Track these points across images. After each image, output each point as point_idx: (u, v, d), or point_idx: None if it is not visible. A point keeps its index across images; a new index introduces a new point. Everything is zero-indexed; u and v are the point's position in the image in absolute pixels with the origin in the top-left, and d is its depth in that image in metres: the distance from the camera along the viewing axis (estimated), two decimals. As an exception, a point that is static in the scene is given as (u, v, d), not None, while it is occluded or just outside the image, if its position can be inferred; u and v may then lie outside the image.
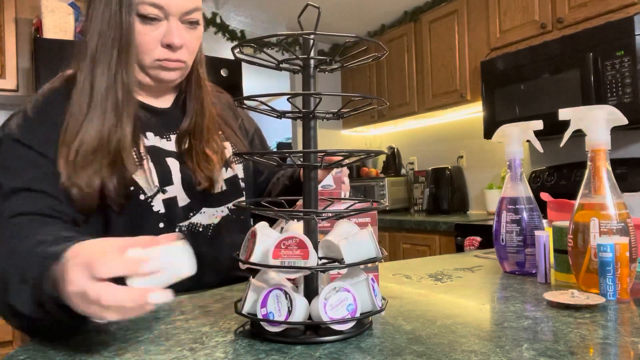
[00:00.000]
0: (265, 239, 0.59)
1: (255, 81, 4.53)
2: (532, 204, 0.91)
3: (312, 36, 0.58)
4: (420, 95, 3.26)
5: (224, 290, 0.85)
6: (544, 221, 0.93)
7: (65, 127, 0.78)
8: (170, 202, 0.86)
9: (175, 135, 0.90)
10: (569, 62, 2.26)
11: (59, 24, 2.31)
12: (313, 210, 0.60)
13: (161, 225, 0.85)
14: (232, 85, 2.55)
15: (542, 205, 0.95)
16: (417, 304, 0.71)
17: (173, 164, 0.88)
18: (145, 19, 0.80)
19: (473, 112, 3.15)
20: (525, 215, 0.90)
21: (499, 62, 2.59)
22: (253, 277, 0.63)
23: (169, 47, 0.82)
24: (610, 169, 0.75)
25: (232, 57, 2.61)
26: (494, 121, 2.61)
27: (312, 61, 0.60)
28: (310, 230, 0.60)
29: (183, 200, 0.88)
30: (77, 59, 0.83)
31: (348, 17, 3.53)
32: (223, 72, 2.56)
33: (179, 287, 0.88)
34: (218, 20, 3.52)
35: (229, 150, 0.97)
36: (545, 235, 0.82)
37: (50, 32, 2.29)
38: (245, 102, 0.64)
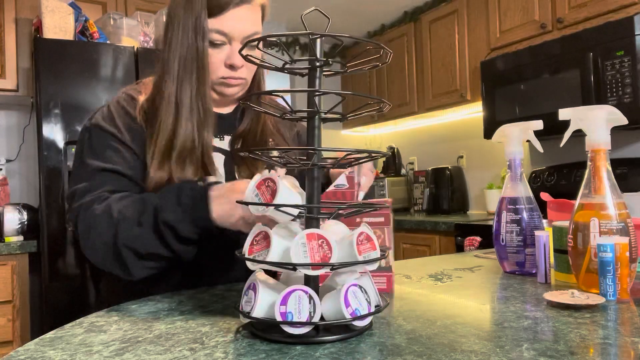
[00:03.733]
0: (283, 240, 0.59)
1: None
2: (532, 204, 0.91)
3: (319, 37, 0.58)
4: (420, 95, 3.26)
5: (224, 290, 0.85)
6: (544, 221, 0.93)
7: (156, 132, 0.90)
8: None
9: (229, 137, 1.01)
10: (569, 62, 2.26)
11: (59, 24, 2.31)
12: (315, 205, 0.59)
13: None
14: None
15: (542, 205, 0.95)
16: (417, 304, 0.71)
17: (218, 158, 0.96)
18: (212, 44, 0.91)
19: (473, 112, 3.15)
20: (525, 215, 0.90)
21: (499, 62, 2.59)
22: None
23: (231, 67, 0.93)
24: (610, 169, 0.75)
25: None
26: (494, 121, 2.61)
27: (319, 62, 0.60)
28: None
29: None
30: (158, 74, 0.95)
31: (348, 17, 3.54)
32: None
33: (208, 281, 0.90)
34: (218, 20, 3.51)
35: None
36: (545, 235, 0.82)
37: (50, 32, 2.29)
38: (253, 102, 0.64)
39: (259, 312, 0.57)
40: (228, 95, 0.98)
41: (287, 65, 0.62)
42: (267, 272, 0.64)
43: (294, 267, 0.55)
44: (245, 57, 0.65)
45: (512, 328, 0.58)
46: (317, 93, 0.59)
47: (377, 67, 0.65)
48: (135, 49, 2.41)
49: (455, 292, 0.80)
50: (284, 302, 0.55)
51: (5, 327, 2.19)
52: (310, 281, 0.59)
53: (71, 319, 0.71)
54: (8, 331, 2.19)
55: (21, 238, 2.33)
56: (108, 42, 2.45)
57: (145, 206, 0.80)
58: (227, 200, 0.76)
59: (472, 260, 1.09)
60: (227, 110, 1.05)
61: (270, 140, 1.05)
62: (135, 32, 2.54)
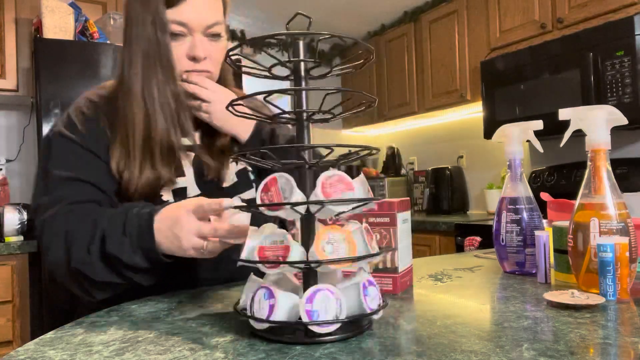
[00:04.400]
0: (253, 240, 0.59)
1: (256, 81, 4.52)
2: (532, 204, 0.91)
3: (302, 37, 0.58)
4: (420, 95, 3.26)
5: (224, 290, 0.85)
6: (544, 221, 0.93)
7: (126, 132, 0.88)
8: (179, 192, 0.91)
9: (197, 134, 0.97)
10: (569, 62, 2.26)
11: (59, 24, 2.31)
12: (296, 202, 0.59)
13: None
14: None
15: (542, 205, 0.95)
16: (417, 304, 0.71)
17: (186, 157, 0.93)
18: (172, 35, 0.89)
19: (473, 112, 3.16)
20: (525, 215, 0.90)
21: (499, 62, 2.59)
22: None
23: (194, 59, 0.91)
24: (610, 169, 0.75)
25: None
26: (494, 121, 2.61)
27: (302, 64, 0.60)
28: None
29: (194, 191, 0.92)
30: (122, 71, 0.91)
31: (348, 17, 3.53)
32: (223, 72, 2.56)
33: (196, 284, 0.89)
34: (218, 20, 3.51)
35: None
36: (545, 235, 0.82)
37: (50, 32, 2.29)
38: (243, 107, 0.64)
39: (280, 315, 0.56)
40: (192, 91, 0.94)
41: (275, 69, 0.62)
42: (256, 273, 0.64)
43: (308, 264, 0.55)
44: (234, 64, 0.65)
45: (512, 328, 0.58)
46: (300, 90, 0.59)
47: (361, 68, 0.65)
48: (135, 49, 2.40)
49: (455, 292, 0.80)
50: (309, 301, 0.55)
51: (5, 327, 2.19)
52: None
53: (71, 319, 0.71)
54: (8, 331, 2.19)
55: (21, 238, 2.33)
56: (108, 42, 2.45)
57: (95, 231, 0.77)
58: (171, 234, 0.72)
59: (472, 260, 1.09)
60: None
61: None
62: (135, 32, 2.54)
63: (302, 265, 0.56)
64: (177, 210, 0.73)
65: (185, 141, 0.94)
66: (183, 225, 0.71)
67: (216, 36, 0.93)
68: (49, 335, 0.63)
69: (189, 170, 0.93)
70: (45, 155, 0.89)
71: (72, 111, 0.92)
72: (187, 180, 0.92)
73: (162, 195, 0.90)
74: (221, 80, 1.00)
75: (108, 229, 0.76)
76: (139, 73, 0.89)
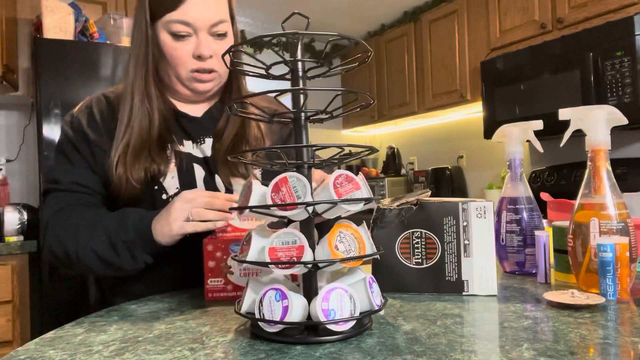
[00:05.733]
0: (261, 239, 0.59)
1: (256, 80, 4.52)
2: (532, 204, 0.91)
3: (300, 37, 0.58)
4: (420, 95, 3.26)
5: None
6: (544, 221, 0.93)
7: (117, 131, 0.92)
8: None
9: (205, 143, 0.99)
10: (569, 62, 2.26)
11: (59, 24, 2.31)
12: (308, 202, 0.59)
13: None
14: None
15: (542, 205, 0.95)
16: (417, 304, 0.71)
17: (199, 170, 0.96)
18: (177, 36, 0.90)
19: (473, 112, 3.16)
20: (525, 215, 0.90)
21: (499, 62, 2.59)
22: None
23: (199, 57, 0.91)
24: (610, 169, 0.75)
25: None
26: (494, 121, 2.61)
27: (300, 64, 0.60)
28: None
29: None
30: (125, 74, 0.96)
31: (348, 17, 3.53)
32: (223, 72, 2.56)
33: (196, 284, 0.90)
34: (218, 20, 3.51)
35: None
36: (545, 235, 0.82)
37: (50, 32, 2.29)
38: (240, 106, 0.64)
39: (295, 316, 0.55)
40: (200, 92, 0.96)
41: (272, 69, 0.62)
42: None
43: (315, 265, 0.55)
44: (231, 63, 0.65)
45: (512, 328, 0.58)
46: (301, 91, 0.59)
47: (358, 67, 0.65)
48: (135, 49, 2.40)
49: (455, 292, 0.80)
50: (325, 299, 0.55)
51: (5, 327, 2.19)
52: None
53: (71, 319, 0.71)
54: (8, 331, 2.19)
55: (21, 238, 2.33)
56: (108, 42, 2.45)
57: (95, 227, 0.83)
58: (165, 216, 0.79)
59: (472, 260, 1.09)
60: (199, 112, 1.01)
61: (255, 144, 1.02)
62: (135, 32, 2.54)
63: (310, 266, 0.56)
64: (179, 199, 0.79)
65: (198, 152, 0.98)
66: (181, 200, 0.78)
67: (222, 35, 0.93)
68: (49, 335, 0.63)
69: (200, 183, 0.96)
70: (58, 147, 0.96)
71: (78, 111, 0.96)
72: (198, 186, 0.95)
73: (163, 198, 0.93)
74: (232, 84, 1.02)
75: (111, 228, 0.83)
76: (130, 77, 0.93)
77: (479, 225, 0.74)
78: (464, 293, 0.75)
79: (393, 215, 0.77)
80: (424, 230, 0.76)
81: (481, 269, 0.74)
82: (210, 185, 0.96)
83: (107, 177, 0.91)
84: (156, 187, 0.92)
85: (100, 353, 0.55)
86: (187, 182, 0.94)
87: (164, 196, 0.92)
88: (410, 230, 0.77)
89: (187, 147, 0.97)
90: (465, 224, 0.75)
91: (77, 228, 0.84)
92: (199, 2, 0.89)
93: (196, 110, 1.01)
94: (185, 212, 0.77)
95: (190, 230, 0.77)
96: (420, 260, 0.77)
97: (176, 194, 0.91)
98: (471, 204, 0.75)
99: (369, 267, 0.83)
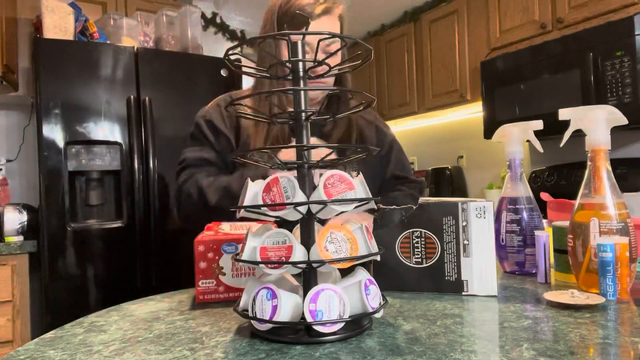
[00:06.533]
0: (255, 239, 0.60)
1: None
2: (532, 204, 0.91)
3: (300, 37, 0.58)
4: (420, 95, 3.26)
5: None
6: (544, 221, 0.93)
7: (245, 132, 1.10)
8: None
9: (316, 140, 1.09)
10: (569, 62, 2.26)
11: (59, 24, 2.31)
12: (300, 202, 0.59)
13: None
14: (232, 85, 2.55)
15: (542, 205, 0.95)
16: (417, 304, 0.71)
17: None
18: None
19: (473, 112, 3.16)
20: (525, 215, 0.90)
21: (499, 62, 2.59)
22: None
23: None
24: (610, 169, 0.75)
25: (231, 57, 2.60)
26: (494, 121, 2.61)
27: (300, 64, 0.60)
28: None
29: None
30: (256, 83, 1.13)
31: (348, 17, 3.53)
32: (223, 72, 2.56)
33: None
34: (218, 20, 3.52)
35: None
36: (545, 235, 0.82)
37: (50, 32, 2.29)
38: (239, 107, 0.64)
39: (284, 316, 0.56)
40: (310, 99, 1.06)
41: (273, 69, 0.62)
42: None
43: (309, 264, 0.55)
44: (231, 66, 0.66)
45: (512, 328, 0.58)
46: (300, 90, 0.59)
47: (359, 67, 0.65)
48: (135, 49, 2.41)
49: (455, 292, 0.80)
50: (313, 300, 0.55)
51: (5, 327, 2.19)
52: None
53: (71, 319, 0.71)
54: (8, 331, 2.19)
55: (21, 238, 2.33)
56: (108, 42, 2.45)
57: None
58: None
59: (472, 260, 1.09)
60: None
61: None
62: (135, 32, 2.54)
63: (304, 266, 0.56)
64: None
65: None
66: None
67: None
68: (49, 335, 0.63)
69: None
70: (192, 132, 1.17)
71: (210, 107, 1.17)
72: None
73: None
74: (340, 84, 1.13)
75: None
76: (257, 83, 1.12)
77: (479, 225, 0.74)
78: (463, 293, 0.75)
79: (394, 214, 0.78)
80: (423, 230, 0.76)
81: (481, 269, 0.74)
82: None
83: (228, 161, 1.10)
84: None
85: (100, 353, 0.55)
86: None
87: None
88: (411, 230, 0.77)
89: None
90: (464, 223, 0.75)
91: (210, 177, 1.04)
92: (319, 25, 0.99)
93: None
94: None
95: None
96: (420, 260, 0.77)
97: None
98: (470, 204, 0.75)
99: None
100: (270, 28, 1.05)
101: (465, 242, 0.75)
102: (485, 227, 0.74)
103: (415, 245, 0.77)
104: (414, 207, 0.77)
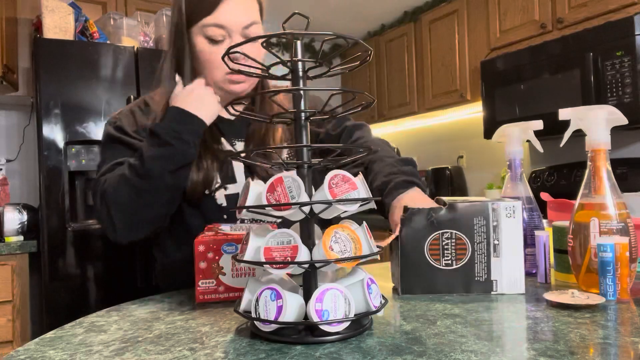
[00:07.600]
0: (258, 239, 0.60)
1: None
2: (532, 204, 0.91)
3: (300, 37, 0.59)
4: (420, 95, 3.26)
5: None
6: (544, 221, 0.93)
7: None
8: (231, 198, 0.99)
9: (236, 145, 1.04)
10: (569, 62, 2.26)
11: (59, 24, 2.31)
12: (306, 201, 0.59)
13: (225, 217, 0.99)
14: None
15: (542, 205, 0.95)
16: (417, 304, 0.71)
17: (238, 165, 1.02)
18: (212, 40, 0.94)
19: (473, 112, 3.15)
20: (525, 215, 0.90)
21: (499, 62, 2.59)
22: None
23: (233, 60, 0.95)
24: (610, 169, 0.75)
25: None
26: (494, 121, 2.61)
27: (300, 64, 0.60)
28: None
29: None
30: (163, 79, 1.01)
31: (348, 17, 3.53)
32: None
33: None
34: (218, 20, 3.50)
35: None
36: (545, 235, 0.82)
37: (50, 32, 2.29)
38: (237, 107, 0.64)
39: (289, 316, 0.56)
40: (235, 93, 0.99)
41: (272, 69, 0.62)
42: None
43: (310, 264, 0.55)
44: (231, 60, 0.66)
45: (512, 328, 0.58)
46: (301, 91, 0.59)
47: (358, 67, 0.65)
48: (135, 49, 2.41)
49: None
50: (319, 300, 0.55)
51: (5, 327, 2.19)
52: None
53: (71, 319, 0.71)
54: (8, 331, 2.19)
55: (21, 238, 2.33)
56: (108, 42, 2.45)
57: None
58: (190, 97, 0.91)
59: (472, 260, 1.09)
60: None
61: (285, 143, 1.05)
62: (135, 32, 2.54)
63: (307, 266, 0.56)
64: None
65: (235, 149, 1.03)
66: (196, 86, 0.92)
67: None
68: (49, 335, 0.63)
69: (240, 177, 1.00)
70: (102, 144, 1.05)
71: (119, 114, 1.04)
72: (238, 186, 1.00)
73: (216, 199, 0.98)
74: (261, 86, 1.06)
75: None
76: (162, 79, 1.01)
77: (509, 225, 0.74)
78: (492, 292, 0.75)
79: (422, 216, 0.77)
80: (453, 231, 0.76)
81: (510, 268, 0.75)
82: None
83: None
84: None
85: (100, 353, 0.55)
86: (228, 175, 1.00)
87: (206, 191, 0.97)
88: (440, 231, 0.76)
89: (225, 145, 1.03)
90: (495, 223, 0.74)
91: (127, 162, 0.90)
92: (232, 5, 0.93)
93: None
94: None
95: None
96: (450, 262, 0.76)
97: (218, 189, 0.98)
98: (501, 204, 0.75)
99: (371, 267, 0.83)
100: (177, 12, 0.96)
101: (496, 242, 0.75)
102: (514, 227, 0.74)
103: (445, 246, 0.76)
104: (443, 208, 0.76)
